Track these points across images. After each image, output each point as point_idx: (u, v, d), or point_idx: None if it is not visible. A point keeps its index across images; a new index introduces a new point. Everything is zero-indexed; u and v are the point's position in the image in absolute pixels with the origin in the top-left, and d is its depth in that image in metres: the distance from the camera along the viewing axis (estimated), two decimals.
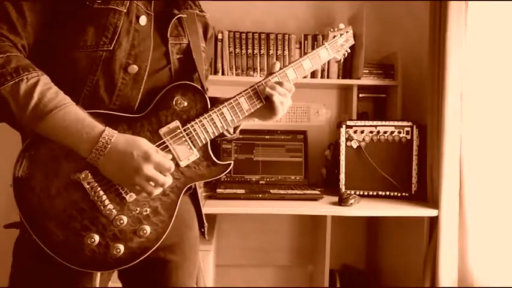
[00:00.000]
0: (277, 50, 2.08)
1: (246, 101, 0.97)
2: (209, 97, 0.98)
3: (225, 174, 2.02)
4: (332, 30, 1.13)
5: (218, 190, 1.76)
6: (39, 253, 0.78)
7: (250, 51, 2.07)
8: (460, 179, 1.63)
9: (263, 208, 1.66)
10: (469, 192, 1.62)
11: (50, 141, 0.79)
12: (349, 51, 1.16)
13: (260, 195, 1.75)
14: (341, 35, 1.13)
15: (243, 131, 2.01)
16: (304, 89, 2.26)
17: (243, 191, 1.78)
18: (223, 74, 2.05)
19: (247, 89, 0.97)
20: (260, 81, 0.99)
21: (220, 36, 2.05)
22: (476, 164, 1.61)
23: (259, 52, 2.08)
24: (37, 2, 0.81)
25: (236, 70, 2.07)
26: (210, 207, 1.59)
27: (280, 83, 0.98)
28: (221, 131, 0.94)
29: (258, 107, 0.98)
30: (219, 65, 2.05)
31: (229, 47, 2.06)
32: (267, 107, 0.99)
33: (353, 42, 1.17)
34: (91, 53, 0.83)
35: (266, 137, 2.09)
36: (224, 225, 2.25)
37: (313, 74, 2.10)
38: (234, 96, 0.96)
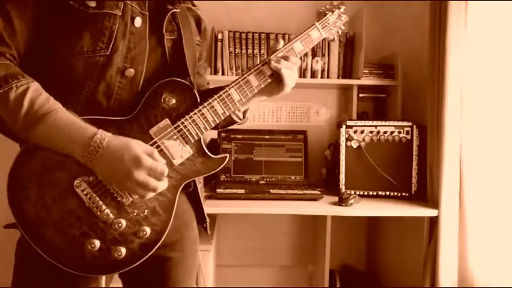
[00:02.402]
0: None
1: (255, 78, 0.97)
2: (206, 89, 0.99)
3: (225, 175, 2.03)
4: (323, 8, 1.10)
5: (218, 190, 1.76)
6: (41, 255, 0.79)
7: (250, 51, 2.07)
8: (460, 179, 1.63)
9: (263, 208, 1.66)
10: (469, 192, 1.62)
11: (44, 149, 0.78)
12: (343, 28, 1.12)
13: (260, 195, 1.75)
14: (333, 11, 1.09)
15: (243, 131, 2.04)
16: (304, 89, 2.27)
17: (243, 191, 1.78)
18: (223, 74, 2.05)
19: (256, 66, 0.98)
20: (264, 60, 0.99)
21: (220, 36, 2.06)
22: (476, 164, 1.61)
23: (259, 52, 2.08)
24: (27, 9, 0.80)
25: (236, 70, 2.07)
26: (210, 207, 1.59)
27: (285, 57, 0.99)
28: (213, 125, 0.93)
29: (263, 86, 0.98)
30: (219, 65, 2.05)
31: (229, 47, 2.06)
32: (275, 82, 0.99)
33: (347, 19, 1.12)
34: (88, 59, 0.83)
35: (266, 137, 2.09)
36: (224, 225, 2.25)
37: (313, 74, 2.10)
38: (224, 88, 0.95)
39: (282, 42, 1.03)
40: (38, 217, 0.78)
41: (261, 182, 2.05)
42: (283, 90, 1.01)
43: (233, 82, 0.96)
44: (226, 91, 0.94)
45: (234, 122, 1.09)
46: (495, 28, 1.56)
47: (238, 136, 2.06)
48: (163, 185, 0.83)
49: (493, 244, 1.54)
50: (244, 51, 2.07)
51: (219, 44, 2.05)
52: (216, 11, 2.19)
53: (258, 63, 1.00)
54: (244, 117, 1.11)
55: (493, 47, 1.57)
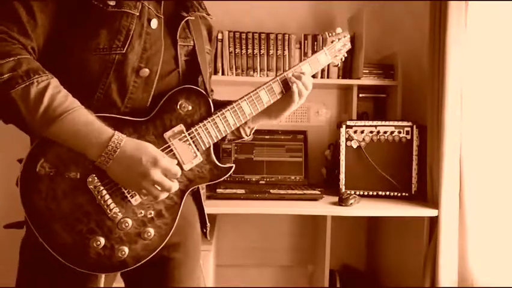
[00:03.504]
0: (277, 50, 2.08)
1: (266, 94, 1.01)
2: (219, 100, 1.02)
3: None
4: (330, 35, 1.16)
5: (218, 190, 1.76)
6: (45, 253, 0.79)
7: (250, 51, 2.07)
8: (460, 179, 1.63)
9: (263, 208, 1.66)
10: (469, 192, 1.62)
11: (58, 144, 0.79)
12: (346, 55, 1.21)
13: (260, 195, 1.75)
14: (339, 39, 1.16)
15: None
16: None
17: (243, 191, 1.78)
18: (223, 74, 2.05)
19: (267, 82, 1.02)
20: (275, 77, 1.03)
21: (220, 36, 2.05)
22: (476, 164, 1.61)
23: (259, 52, 2.08)
24: (48, 3, 0.80)
25: (236, 70, 2.07)
26: (210, 207, 1.58)
27: (299, 77, 1.03)
28: (224, 135, 0.96)
29: (272, 102, 1.02)
30: (219, 65, 2.05)
31: (229, 47, 2.06)
32: (283, 101, 1.03)
33: (350, 47, 1.21)
34: (104, 56, 0.83)
35: (266, 137, 2.09)
36: (224, 225, 2.25)
37: (313, 74, 2.09)
38: (237, 101, 0.98)
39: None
40: (48, 210, 0.78)
41: (261, 182, 2.05)
42: (289, 107, 1.05)
43: (245, 96, 0.99)
44: (239, 103, 0.97)
45: (241, 137, 1.13)
46: (495, 28, 1.56)
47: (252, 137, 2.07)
48: (175, 186, 0.85)
49: (493, 244, 1.54)
50: (244, 51, 2.07)
51: (219, 44, 2.05)
52: (216, 11, 2.17)
53: (270, 79, 1.03)
54: (250, 134, 1.15)
55: (493, 47, 1.57)
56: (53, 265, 0.80)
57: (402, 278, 1.93)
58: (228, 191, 1.78)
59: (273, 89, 1.02)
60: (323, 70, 2.10)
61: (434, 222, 1.67)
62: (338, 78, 2.12)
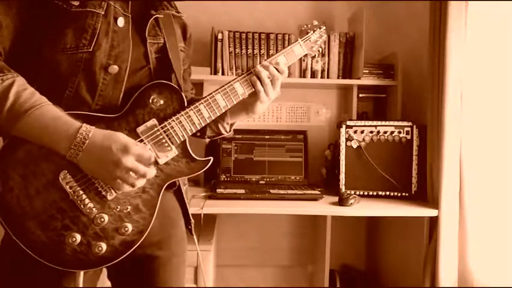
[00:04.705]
0: (277, 50, 2.08)
1: (240, 86, 1.00)
2: (197, 97, 1.02)
3: (225, 175, 2.04)
4: (305, 26, 1.16)
5: (218, 190, 1.76)
6: (22, 253, 0.79)
7: (250, 51, 2.07)
8: (460, 179, 1.63)
9: (263, 208, 1.66)
10: (469, 192, 1.62)
11: (28, 142, 0.80)
12: (323, 46, 1.20)
13: (260, 195, 1.74)
14: (314, 31, 1.15)
15: (243, 131, 2.05)
16: (304, 89, 2.26)
17: (243, 191, 1.78)
18: (223, 74, 2.05)
19: (242, 74, 1.01)
20: (250, 70, 1.02)
21: (220, 36, 2.05)
22: (476, 164, 1.61)
23: (259, 52, 2.08)
24: (12, 6, 0.81)
25: (236, 70, 2.07)
26: (210, 207, 1.59)
27: (266, 66, 1.01)
28: (199, 128, 0.95)
29: (248, 94, 1.01)
30: (219, 65, 2.05)
31: (229, 47, 2.06)
32: (255, 96, 1.02)
33: (326, 39, 1.20)
34: (72, 55, 0.84)
35: (266, 137, 2.09)
36: (224, 225, 2.25)
37: (313, 74, 2.10)
38: (211, 93, 0.98)
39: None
40: (20, 208, 0.79)
41: (261, 182, 2.05)
42: (259, 99, 1.02)
43: (219, 88, 0.98)
44: (213, 96, 0.97)
45: (221, 134, 1.13)
46: (495, 28, 1.56)
47: (238, 136, 2.07)
48: (151, 172, 0.85)
49: (493, 244, 1.54)
50: (244, 51, 2.07)
51: (219, 44, 2.05)
52: (216, 11, 2.19)
53: (244, 72, 1.02)
54: (230, 131, 1.14)
55: (493, 47, 1.57)
56: (29, 265, 0.80)
57: (402, 278, 1.93)
58: (228, 191, 1.78)
59: (248, 81, 1.01)
60: (323, 70, 2.10)
61: (434, 222, 1.67)
62: (338, 78, 2.12)
